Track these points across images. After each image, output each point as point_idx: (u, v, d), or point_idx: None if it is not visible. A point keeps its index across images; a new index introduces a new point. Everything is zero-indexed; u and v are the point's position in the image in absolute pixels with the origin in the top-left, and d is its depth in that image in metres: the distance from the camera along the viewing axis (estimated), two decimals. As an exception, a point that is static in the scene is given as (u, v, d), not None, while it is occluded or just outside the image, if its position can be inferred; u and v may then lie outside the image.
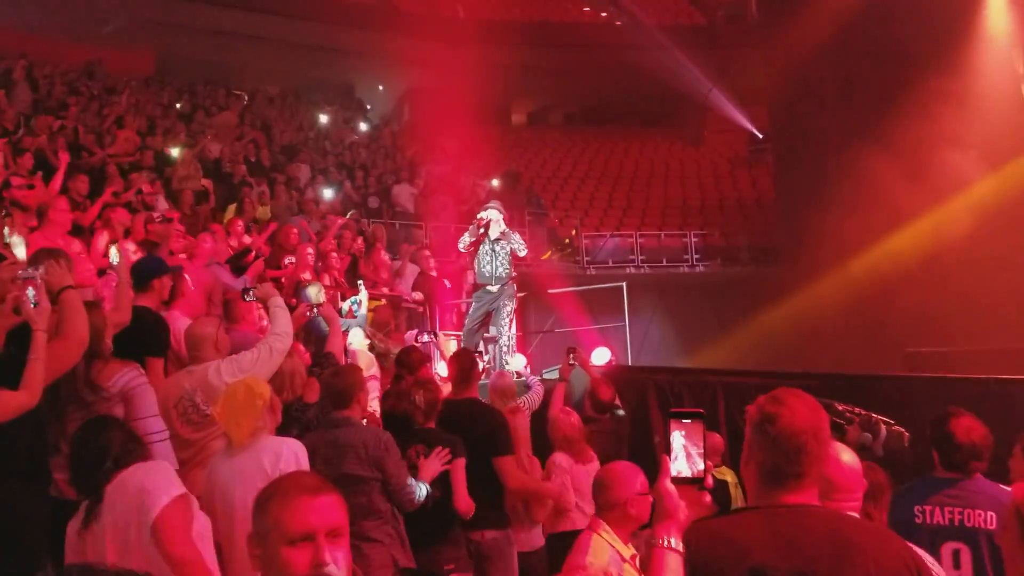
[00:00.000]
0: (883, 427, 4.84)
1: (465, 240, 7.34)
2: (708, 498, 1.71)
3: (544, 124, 20.95)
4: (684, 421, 1.68)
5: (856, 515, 2.28)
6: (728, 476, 5.43)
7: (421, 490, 3.57)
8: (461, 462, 3.83)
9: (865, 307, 11.04)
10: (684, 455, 1.67)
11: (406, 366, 4.78)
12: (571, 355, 5.51)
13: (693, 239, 14.47)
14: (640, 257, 14.30)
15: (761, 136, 16.37)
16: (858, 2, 11.95)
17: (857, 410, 5.21)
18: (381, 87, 19.88)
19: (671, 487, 1.67)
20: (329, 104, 17.10)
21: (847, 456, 2.66)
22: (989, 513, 3.09)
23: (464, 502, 3.77)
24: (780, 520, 1.77)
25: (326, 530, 1.51)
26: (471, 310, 7.62)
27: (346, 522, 1.56)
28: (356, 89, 19.55)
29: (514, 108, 20.76)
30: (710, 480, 1.69)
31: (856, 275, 11.09)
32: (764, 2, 16.65)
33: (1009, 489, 3.10)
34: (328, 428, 3.63)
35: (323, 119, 16.22)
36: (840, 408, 5.09)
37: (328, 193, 12.09)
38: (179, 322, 4.36)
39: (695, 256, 14.35)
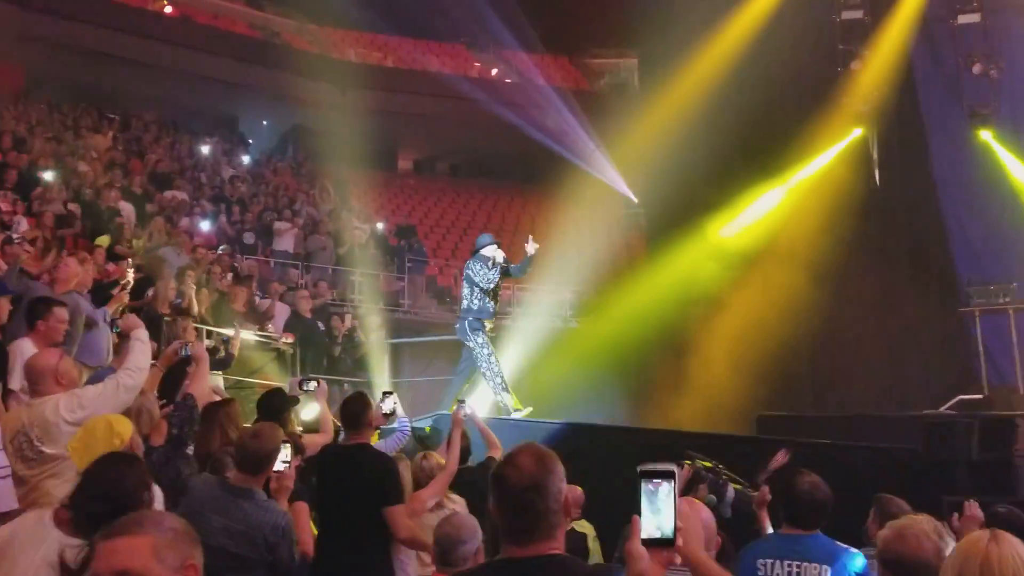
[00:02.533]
0: (730, 488, 5.04)
1: (494, 279, 7.65)
2: (678, 559, 1.66)
3: (431, 173, 21.08)
4: (655, 481, 1.63)
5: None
6: (587, 529, 5.49)
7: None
8: (300, 506, 3.72)
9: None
10: (653, 515, 1.63)
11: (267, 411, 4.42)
12: (462, 406, 5.38)
13: (568, 295, 14.80)
14: (518, 310, 14.47)
15: (636, 201, 17.00)
16: (730, 85, 12.87)
17: (720, 467, 5.42)
18: (265, 122, 19.52)
19: (641, 549, 1.63)
20: (209, 135, 16.64)
21: (705, 513, 2.82)
22: (824, 567, 3.27)
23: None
24: (506, 574, 1.85)
25: (110, 573, 1.49)
26: (485, 352, 7.65)
27: (144, 566, 1.52)
28: (239, 122, 19.14)
29: (401, 155, 20.80)
30: (681, 540, 1.64)
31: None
32: (645, 76, 17.48)
33: (845, 546, 3.35)
34: (227, 492, 3.32)
35: (203, 150, 15.77)
36: (704, 463, 5.28)
37: (203, 225, 11.73)
38: (24, 351, 4.11)
39: (570, 312, 14.66)
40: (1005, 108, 13.07)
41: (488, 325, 7.76)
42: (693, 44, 13.57)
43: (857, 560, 3.21)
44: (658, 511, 1.63)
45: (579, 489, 5.82)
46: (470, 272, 7.85)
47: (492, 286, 7.69)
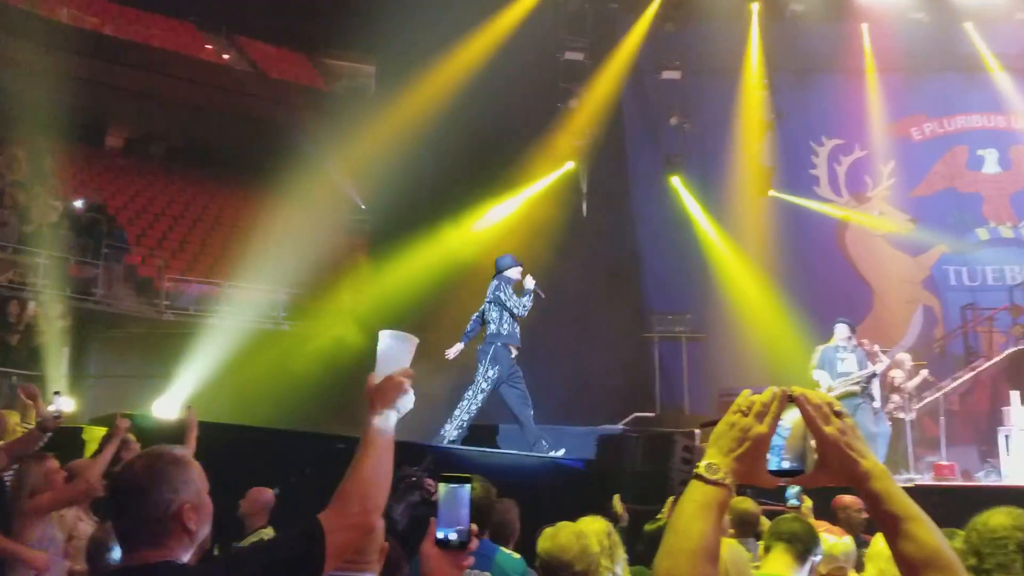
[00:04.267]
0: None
1: (528, 306, 7.77)
2: (470, 561, 1.69)
3: (143, 155, 19.55)
4: (451, 485, 1.66)
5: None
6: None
7: None
8: None
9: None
10: (449, 519, 1.65)
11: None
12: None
13: (283, 296, 14.41)
14: (226, 308, 13.84)
15: (363, 207, 16.98)
16: (462, 105, 13.28)
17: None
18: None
19: (433, 550, 1.65)
20: None
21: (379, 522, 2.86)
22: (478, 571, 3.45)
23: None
24: None
25: None
26: (484, 387, 7.57)
27: None
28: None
29: (111, 131, 19.08)
30: (475, 543, 1.66)
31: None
32: (382, 84, 17.55)
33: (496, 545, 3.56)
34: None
35: None
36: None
37: None
38: None
39: (283, 314, 14.27)
40: (696, 158, 14.67)
41: (514, 352, 7.83)
42: (430, 60, 13.83)
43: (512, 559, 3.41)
44: (453, 513, 1.65)
45: (269, 491, 5.66)
46: (501, 295, 7.75)
47: (526, 313, 7.72)
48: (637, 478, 7.83)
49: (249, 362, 12.33)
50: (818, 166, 15.13)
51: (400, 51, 14.61)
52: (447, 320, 12.59)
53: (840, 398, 8.98)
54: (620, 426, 10.99)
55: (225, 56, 19.90)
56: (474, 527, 1.69)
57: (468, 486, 1.68)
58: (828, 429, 1.35)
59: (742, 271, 13.65)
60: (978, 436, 11.70)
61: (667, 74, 14.59)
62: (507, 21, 13.97)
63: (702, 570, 1.31)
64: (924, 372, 10.65)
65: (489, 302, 8.00)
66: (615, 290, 13.94)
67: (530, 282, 8.07)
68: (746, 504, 4.27)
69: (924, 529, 1.30)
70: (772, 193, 14.63)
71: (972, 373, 11.99)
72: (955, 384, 11.77)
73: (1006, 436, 9.77)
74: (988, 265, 14.41)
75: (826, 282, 13.81)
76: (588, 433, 9.42)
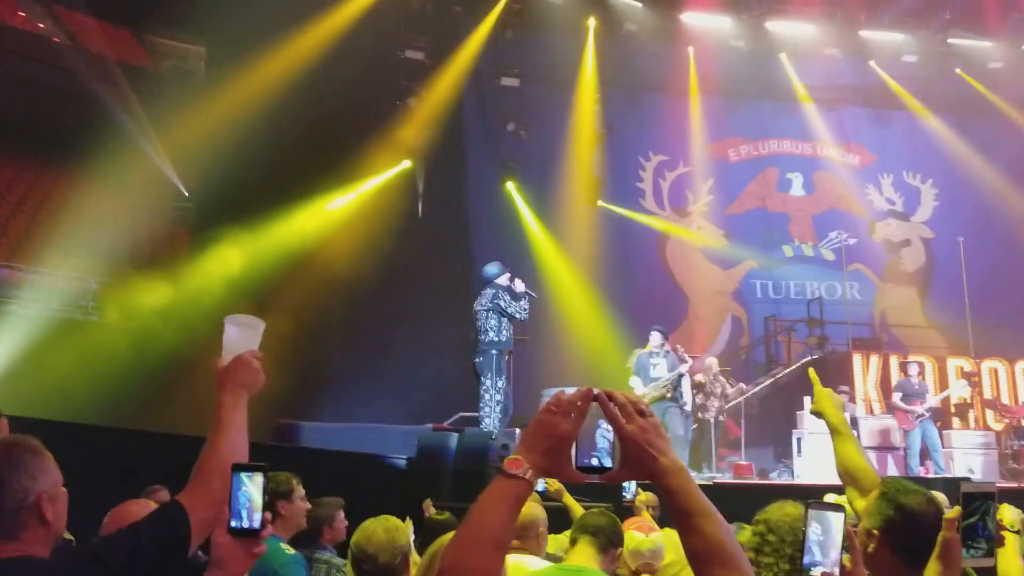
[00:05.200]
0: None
1: (527, 307, 8.02)
2: (263, 548, 1.72)
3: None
4: (245, 474, 1.69)
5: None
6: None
7: None
8: None
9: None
10: (246, 508, 1.68)
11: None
12: None
13: (93, 285, 13.51)
14: (28, 294, 12.83)
15: (187, 194, 16.18)
16: (297, 96, 12.95)
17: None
18: None
19: (225, 538, 1.69)
20: None
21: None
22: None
23: None
24: None
25: None
26: (493, 394, 7.61)
27: None
28: None
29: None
30: (269, 530, 1.71)
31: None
32: (212, 68, 16.82)
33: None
34: None
35: None
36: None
37: None
38: None
39: (92, 303, 13.37)
40: (530, 165, 15.01)
41: (507, 357, 8.04)
42: (265, 46, 13.41)
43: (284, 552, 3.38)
44: (247, 505, 1.69)
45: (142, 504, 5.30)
46: (501, 303, 7.90)
47: (527, 316, 8.01)
48: (456, 476, 7.91)
49: (52, 353, 11.51)
50: (644, 180, 15.87)
51: (234, 35, 14.08)
52: (274, 313, 12.27)
53: (653, 401, 9.49)
54: (444, 425, 11.06)
55: (40, 25, 18.42)
56: (267, 515, 1.72)
57: (260, 475, 1.69)
58: (629, 427, 1.40)
59: (569, 277, 14.08)
60: (775, 438, 12.62)
61: (506, 80, 14.85)
62: (348, 13, 13.75)
63: (487, 561, 1.34)
64: (730, 382, 11.39)
65: (487, 311, 8.18)
66: (447, 290, 14.01)
67: (520, 285, 8.33)
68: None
69: (711, 524, 1.36)
70: (600, 204, 15.20)
71: (771, 379, 12.93)
72: (756, 389, 12.65)
73: (799, 439, 10.60)
74: (791, 280, 15.62)
75: (646, 290, 14.51)
76: (412, 432, 9.43)
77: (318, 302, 11.66)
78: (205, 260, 13.38)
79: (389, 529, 3.00)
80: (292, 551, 3.39)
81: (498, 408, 8.27)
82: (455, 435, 8.54)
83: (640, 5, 14.95)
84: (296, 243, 12.80)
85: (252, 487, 1.70)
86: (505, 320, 8.19)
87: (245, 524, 1.69)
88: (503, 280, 8.40)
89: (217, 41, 16.25)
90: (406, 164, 14.42)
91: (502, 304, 8.16)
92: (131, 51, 19.26)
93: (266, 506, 1.75)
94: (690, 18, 15.25)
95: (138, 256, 14.02)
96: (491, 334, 8.15)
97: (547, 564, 3.35)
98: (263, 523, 1.71)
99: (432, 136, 14.38)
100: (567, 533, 3.52)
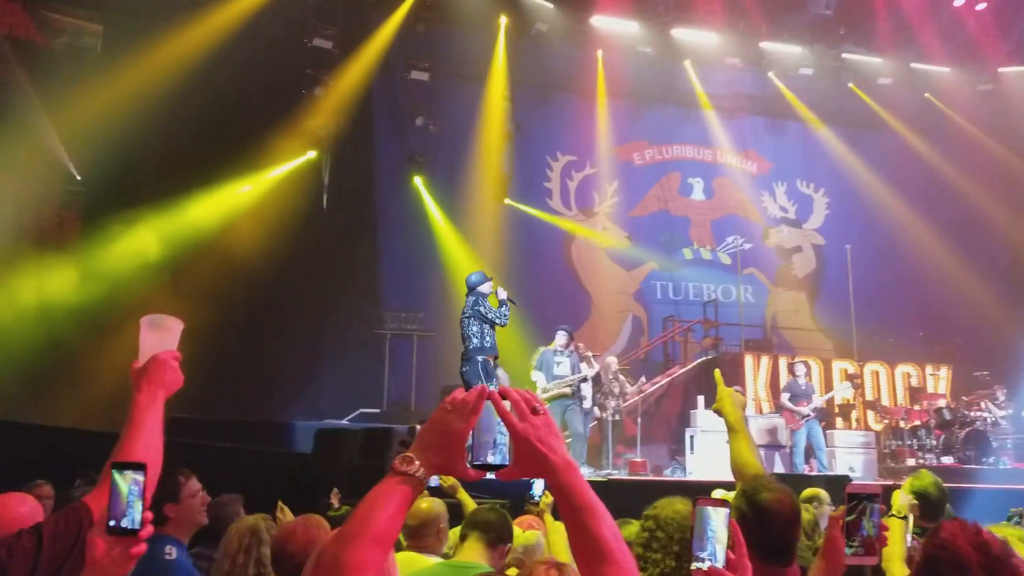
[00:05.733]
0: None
1: (507, 314, 8.14)
2: (142, 548, 1.62)
3: None
4: (125, 472, 1.62)
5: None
6: None
7: None
8: None
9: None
10: (125, 507, 1.60)
11: None
12: None
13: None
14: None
15: (79, 178, 15.49)
16: (198, 80, 12.56)
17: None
18: None
19: (103, 537, 1.59)
20: None
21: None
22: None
23: None
24: None
25: None
26: (487, 385, 6.60)
27: None
28: None
29: None
30: (149, 530, 1.61)
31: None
32: (109, 47, 16.12)
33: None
34: None
35: None
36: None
37: None
38: None
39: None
40: (439, 160, 14.97)
41: (493, 362, 8.14)
42: (166, 26, 12.98)
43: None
44: (126, 502, 1.62)
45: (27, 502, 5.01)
46: (482, 309, 8.02)
47: (507, 322, 8.11)
48: (354, 472, 7.85)
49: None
50: (552, 179, 16.05)
51: (133, 12, 13.61)
52: (169, 303, 11.89)
53: (553, 399, 9.64)
54: (344, 421, 10.97)
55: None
56: (148, 514, 1.67)
57: (141, 473, 1.65)
58: (521, 424, 1.43)
59: (474, 274, 14.12)
60: (669, 436, 12.99)
61: (416, 74, 14.77)
62: (254, -3, 13.42)
63: (369, 555, 1.35)
64: (629, 380, 11.65)
65: (468, 318, 8.19)
66: (350, 284, 13.86)
67: (502, 293, 8.33)
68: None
69: (597, 520, 1.39)
70: (508, 201, 15.30)
71: (668, 378, 13.29)
72: (653, 388, 12.98)
73: (691, 436, 10.93)
74: (690, 282, 16.09)
75: (551, 289, 14.68)
76: (311, 427, 9.32)
77: (217, 293, 11.33)
78: (95, 246, 12.86)
79: (310, 528, 2.97)
80: (172, 556, 3.26)
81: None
82: (353, 431, 8.49)
83: (551, 6, 15.09)
84: (194, 232, 12.42)
85: (132, 485, 1.65)
86: (487, 326, 8.22)
87: (124, 524, 1.63)
88: (485, 288, 8.48)
89: (115, 19, 15.55)
90: (311, 155, 14.15)
91: (482, 310, 8.25)
92: (22, 24, 18.30)
93: (152, 508, 1.71)
94: (599, 21, 15.49)
95: (24, 240, 13.34)
96: (474, 340, 8.22)
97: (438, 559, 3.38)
98: (143, 523, 1.65)
99: (339, 127, 14.18)
100: (458, 529, 3.55)
